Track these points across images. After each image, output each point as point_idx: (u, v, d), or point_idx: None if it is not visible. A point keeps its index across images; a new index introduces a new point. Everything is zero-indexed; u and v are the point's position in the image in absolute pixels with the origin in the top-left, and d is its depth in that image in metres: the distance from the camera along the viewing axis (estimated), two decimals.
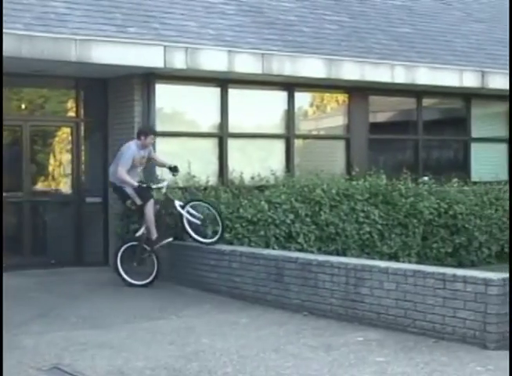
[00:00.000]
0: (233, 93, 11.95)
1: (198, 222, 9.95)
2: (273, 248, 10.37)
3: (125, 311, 8.61)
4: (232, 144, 11.98)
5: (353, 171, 12.62)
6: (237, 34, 11.80)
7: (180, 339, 7.23)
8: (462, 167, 14.41)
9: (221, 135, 11.97)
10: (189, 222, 9.96)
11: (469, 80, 13.43)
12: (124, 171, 9.85)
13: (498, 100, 14.79)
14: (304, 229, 11.12)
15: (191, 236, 9.97)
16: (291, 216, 10.98)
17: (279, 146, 12.58)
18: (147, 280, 10.02)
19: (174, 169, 10.28)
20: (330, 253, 10.97)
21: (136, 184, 9.83)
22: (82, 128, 11.83)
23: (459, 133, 14.60)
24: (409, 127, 14.09)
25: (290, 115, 12.58)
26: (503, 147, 14.94)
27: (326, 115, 13.46)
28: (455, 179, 13.25)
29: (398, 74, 12.70)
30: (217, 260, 9.67)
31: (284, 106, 12.57)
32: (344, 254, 11.14)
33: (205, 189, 11.17)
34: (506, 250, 13.36)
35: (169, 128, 11.51)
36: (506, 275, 6.98)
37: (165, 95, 11.43)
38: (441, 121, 14.66)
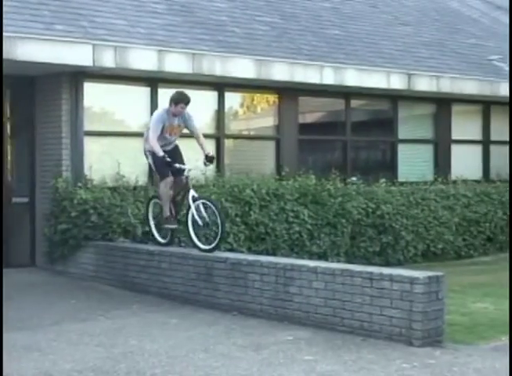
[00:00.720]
0: (163, 93, 11.88)
1: (201, 223, 9.08)
2: None
3: (53, 312, 8.50)
4: None
5: (283, 172, 12.70)
6: (168, 34, 11.75)
7: (108, 340, 7.17)
8: (389, 167, 14.64)
9: None
10: (193, 221, 9.11)
11: (395, 82, 13.66)
12: (154, 136, 9.19)
13: (424, 102, 15.09)
14: (234, 229, 11.15)
15: (190, 238, 9.26)
16: None
17: (209, 146, 12.54)
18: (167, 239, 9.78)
19: (209, 159, 9.43)
20: (260, 253, 11.02)
21: (162, 154, 9.14)
22: (8, 126, 11.60)
23: (386, 134, 14.82)
24: (337, 128, 14.24)
25: (220, 115, 12.58)
26: (429, 148, 15.25)
27: (256, 115, 13.50)
28: (382, 180, 13.49)
29: (326, 76, 12.82)
30: (146, 260, 9.62)
31: (214, 106, 12.56)
32: (274, 254, 11.21)
33: (134, 188, 11.10)
34: (432, 248, 13.67)
35: (98, 128, 11.38)
36: (431, 273, 7.15)
37: (94, 94, 11.29)
38: (368, 122, 14.87)
